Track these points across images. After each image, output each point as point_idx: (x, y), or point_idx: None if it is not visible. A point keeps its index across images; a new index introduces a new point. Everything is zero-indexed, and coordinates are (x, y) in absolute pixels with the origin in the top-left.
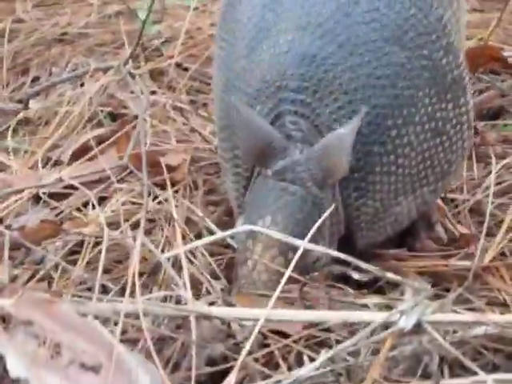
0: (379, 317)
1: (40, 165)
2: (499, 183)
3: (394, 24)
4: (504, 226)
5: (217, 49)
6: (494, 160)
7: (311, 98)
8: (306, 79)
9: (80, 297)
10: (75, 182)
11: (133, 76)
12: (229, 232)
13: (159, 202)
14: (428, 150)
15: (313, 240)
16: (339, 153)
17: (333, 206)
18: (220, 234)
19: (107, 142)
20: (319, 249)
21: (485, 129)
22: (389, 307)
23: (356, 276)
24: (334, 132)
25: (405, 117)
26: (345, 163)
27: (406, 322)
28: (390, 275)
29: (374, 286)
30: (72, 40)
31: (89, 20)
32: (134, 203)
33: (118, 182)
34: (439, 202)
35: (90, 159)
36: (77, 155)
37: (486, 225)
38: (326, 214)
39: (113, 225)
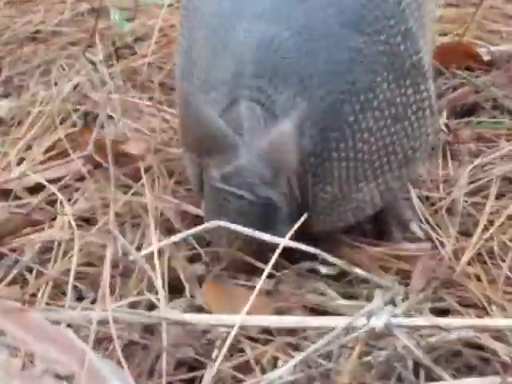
0: (347, 320)
1: (13, 165)
2: (473, 182)
3: (351, 9)
4: (480, 226)
5: (179, 36)
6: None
7: (267, 83)
8: (261, 65)
9: (54, 300)
10: (40, 178)
11: (93, 63)
12: (193, 230)
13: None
14: (389, 136)
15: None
16: (285, 149)
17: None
18: (185, 233)
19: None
20: (296, 245)
21: (458, 126)
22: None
23: (323, 270)
24: (277, 127)
25: (362, 102)
26: (292, 159)
27: (377, 322)
28: (357, 270)
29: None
30: (45, 38)
31: (62, 18)
32: (103, 198)
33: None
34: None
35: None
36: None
37: (454, 231)
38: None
39: (83, 221)
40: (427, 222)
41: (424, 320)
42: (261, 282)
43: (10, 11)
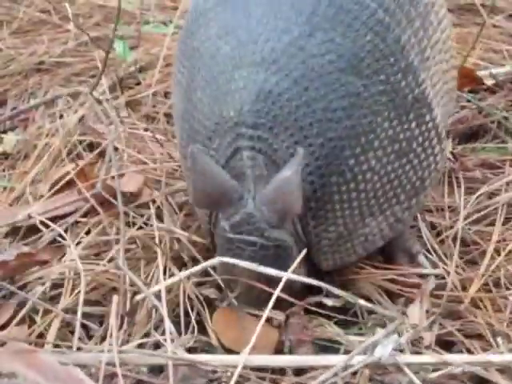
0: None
1: (20, 200)
2: (479, 210)
3: (349, 53)
4: (487, 257)
5: (177, 73)
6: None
7: (268, 133)
8: (261, 115)
9: (63, 338)
10: (43, 218)
11: (99, 102)
12: (199, 267)
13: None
14: (394, 172)
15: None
16: (289, 195)
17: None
18: (189, 271)
19: None
20: (302, 279)
21: (463, 152)
22: None
23: (329, 303)
24: (280, 175)
25: (363, 145)
26: (296, 203)
27: (382, 352)
28: (362, 302)
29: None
30: (49, 69)
31: (66, 48)
32: (107, 234)
33: (90, 213)
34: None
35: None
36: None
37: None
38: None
39: (89, 258)
40: (434, 251)
41: (430, 357)
42: (264, 317)
43: (14, 41)
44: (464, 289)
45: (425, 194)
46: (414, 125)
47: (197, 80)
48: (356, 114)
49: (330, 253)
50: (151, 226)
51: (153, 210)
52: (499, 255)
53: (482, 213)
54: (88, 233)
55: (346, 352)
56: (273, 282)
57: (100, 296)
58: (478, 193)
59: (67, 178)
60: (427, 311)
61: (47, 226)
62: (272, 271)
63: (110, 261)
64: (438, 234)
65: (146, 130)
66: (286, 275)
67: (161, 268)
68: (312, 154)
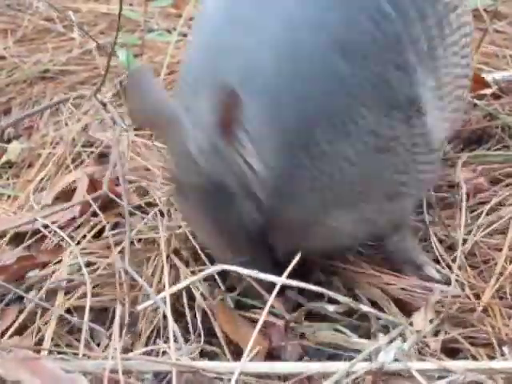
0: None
1: (24, 208)
2: (490, 224)
3: (343, 36)
4: (498, 267)
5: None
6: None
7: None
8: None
9: (68, 346)
10: (48, 222)
11: (104, 104)
12: (202, 274)
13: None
14: (369, 166)
15: None
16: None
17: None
18: (191, 279)
19: None
20: (299, 284)
21: (468, 160)
22: None
23: (331, 309)
24: None
25: (338, 131)
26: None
27: (385, 358)
28: (364, 308)
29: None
30: (54, 77)
31: (70, 56)
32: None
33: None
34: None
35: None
36: (59, 197)
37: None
38: None
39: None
40: (445, 263)
41: (431, 364)
42: (260, 323)
43: (18, 49)
44: (476, 297)
45: (402, 200)
46: (399, 125)
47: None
48: (336, 97)
49: (285, 236)
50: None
51: (156, 209)
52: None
53: (493, 227)
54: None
55: (350, 358)
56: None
57: (105, 299)
58: (488, 206)
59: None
60: (431, 321)
61: (50, 231)
62: (271, 277)
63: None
64: (450, 248)
65: (150, 136)
66: (284, 281)
67: (166, 273)
68: (282, 127)
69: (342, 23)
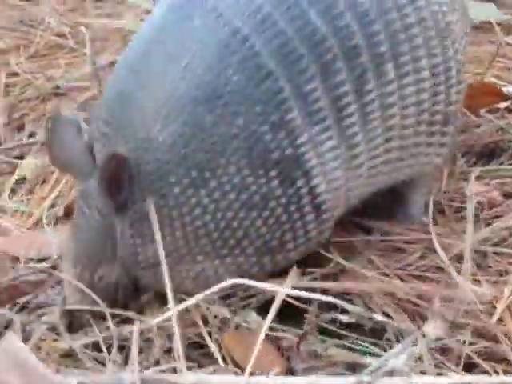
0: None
1: (38, 225)
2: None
3: (208, 85)
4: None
5: None
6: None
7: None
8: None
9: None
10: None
11: None
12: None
13: None
14: (237, 221)
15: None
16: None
17: None
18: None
19: None
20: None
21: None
22: None
23: (344, 319)
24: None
25: (193, 179)
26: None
27: (396, 363)
28: (376, 316)
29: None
30: (66, 93)
31: (82, 72)
32: None
33: None
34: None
35: None
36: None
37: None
38: None
39: None
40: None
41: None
42: (262, 335)
43: (31, 66)
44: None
45: (286, 255)
46: (275, 183)
47: None
48: (193, 146)
49: (146, 274)
50: None
51: None
52: None
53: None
54: None
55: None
56: None
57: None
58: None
59: None
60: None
61: None
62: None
63: None
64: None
65: None
66: (287, 291)
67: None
68: (141, 159)
69: (207, 73)
